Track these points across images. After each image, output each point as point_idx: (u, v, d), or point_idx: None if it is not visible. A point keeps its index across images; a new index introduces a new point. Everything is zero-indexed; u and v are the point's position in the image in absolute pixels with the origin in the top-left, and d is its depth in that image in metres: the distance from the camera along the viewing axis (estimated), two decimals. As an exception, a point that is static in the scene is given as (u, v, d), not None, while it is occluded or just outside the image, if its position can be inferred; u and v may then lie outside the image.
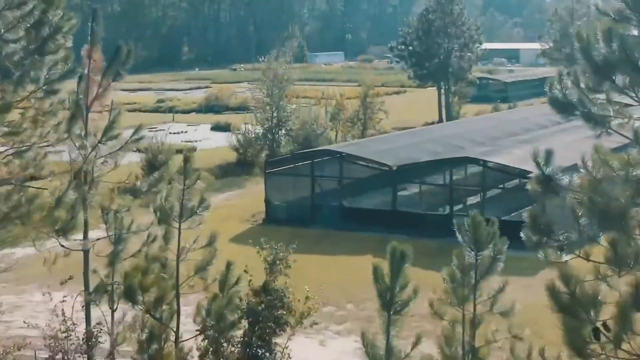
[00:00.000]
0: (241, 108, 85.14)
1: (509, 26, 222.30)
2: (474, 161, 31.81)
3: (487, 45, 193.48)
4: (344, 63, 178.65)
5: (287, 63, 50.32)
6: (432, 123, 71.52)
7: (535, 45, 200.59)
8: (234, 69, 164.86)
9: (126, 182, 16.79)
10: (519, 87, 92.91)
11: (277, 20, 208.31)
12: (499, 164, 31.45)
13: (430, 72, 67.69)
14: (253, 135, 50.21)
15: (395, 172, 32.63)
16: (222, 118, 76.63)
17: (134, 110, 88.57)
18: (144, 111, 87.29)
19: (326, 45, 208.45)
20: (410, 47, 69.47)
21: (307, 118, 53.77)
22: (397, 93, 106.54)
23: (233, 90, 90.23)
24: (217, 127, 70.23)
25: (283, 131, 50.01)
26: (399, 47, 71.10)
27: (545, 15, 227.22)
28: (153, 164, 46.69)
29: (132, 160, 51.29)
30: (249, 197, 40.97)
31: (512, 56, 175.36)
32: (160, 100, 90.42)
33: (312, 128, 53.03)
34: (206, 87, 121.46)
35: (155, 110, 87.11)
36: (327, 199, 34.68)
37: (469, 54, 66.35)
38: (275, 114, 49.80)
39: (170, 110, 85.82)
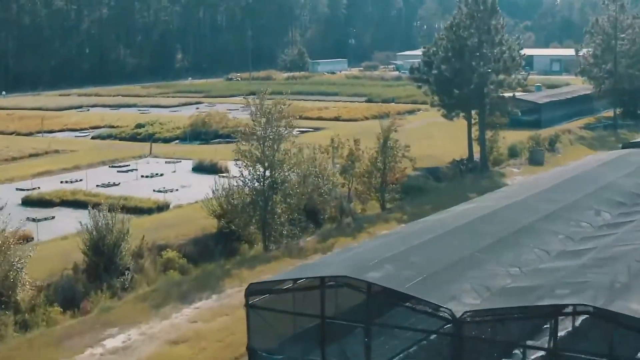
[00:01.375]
0: (232, 136, 71.71)
1: (520, 30, 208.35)
2: (598, 315, 18.40)
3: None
4: (348, 72, 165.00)
5: (283, 105, 36.81)
6: (462, 160, 58.22)
7: (549, 51, 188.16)
8: (230, 79, 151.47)
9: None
10: (553, 109, 79.39)
11: (276, 25, 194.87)
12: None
13: (461, 101, 54.23)
14: (240, 202, 36.74)
15: (461, 322, 19.24)
16: (209, 151, 63.26)
17: (110, 137, 75.34)
18: (121, 139, 73.92)
19: (328, 50, 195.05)
20: (435, 70, 55.99)
21: (309, 169, 40.45)
22: (411, 112, 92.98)
23: (224, 113, 76.59)
24: (200, 168, 56.78)
25: (279, 197, 36.56)
26: (421, 68, 57.57)
27: (556, 18, 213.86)
28: (99, 248, 33.32)
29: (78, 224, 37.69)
30: (227, 317, 27.57)
31: (526, 63, 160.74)
32: (140, 125, 76.96)
33: (318, 186, 39.67)
34: (197, 102, 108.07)
35: (134, 137, 73.72)
36: (347, 354, 21.30)
37: (508, 79, 52.91)
38: (268, 173, 36.43)
39: (150, 137, 72.45)
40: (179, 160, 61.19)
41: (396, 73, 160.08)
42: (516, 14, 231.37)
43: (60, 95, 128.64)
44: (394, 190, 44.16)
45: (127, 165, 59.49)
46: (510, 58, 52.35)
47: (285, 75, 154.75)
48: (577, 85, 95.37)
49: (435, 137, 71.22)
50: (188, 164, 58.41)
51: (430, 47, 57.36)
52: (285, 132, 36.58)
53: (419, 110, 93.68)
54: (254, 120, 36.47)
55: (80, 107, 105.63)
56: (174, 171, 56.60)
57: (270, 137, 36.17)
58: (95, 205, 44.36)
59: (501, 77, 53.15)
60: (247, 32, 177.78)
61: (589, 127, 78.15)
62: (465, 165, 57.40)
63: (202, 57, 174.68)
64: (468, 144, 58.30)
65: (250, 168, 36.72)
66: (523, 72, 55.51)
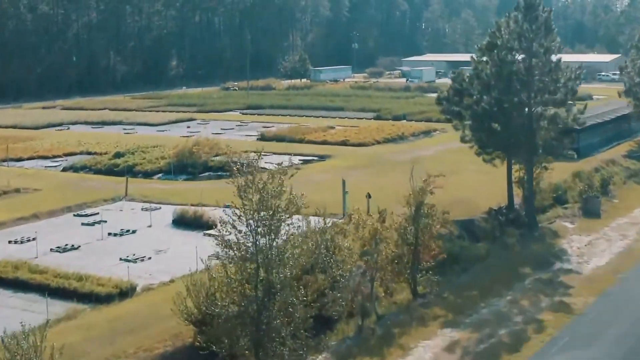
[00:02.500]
0: (223, 170, 60.93)
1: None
2: None
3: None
4: (352, 79, 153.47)
5: (284, 174, 25.83)
6: (500, 209, 47.36)
7: (563, 58, 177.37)
8: (227, 88, 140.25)
9: None
10: (591, 134, 68.31)
11: (276, 29, 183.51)
12: None
13: (504, 141, 43.22)
14: (224, 311, 25.76)
15: None
16: (195, 192, 52.36)
17: (84, 168, 64.11)
18: (96, 171, 62.82)
19: (330, 55, 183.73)
20: (470, 100, 45.16)
21: (319, 249, 29.65)
22: (427, 133, 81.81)
23: (214, 142, 65.33)
24: (181, 221, 45.73)
25: (278, 304, 25.55)
26: (450, 97, 46.55)
27: (568, 21, 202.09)
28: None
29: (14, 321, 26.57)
30: None
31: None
32: (119, 155, 65.90)
33: (332, 276, 28.78)
34: (189, 119, 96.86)
35: (110, 169, 62.73)
36: None
37: (562, 114, 41.83)
38: (262, 273, 25.44)
39: (130, 170, 61.52)
40: (158, 206, 50.22)
41: (403, 81, 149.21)
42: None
43: (43, 107, 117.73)
44: (429, 269, 33.10)
45: (95, 214, 48.51)
46: (569, 89, 41.33)
47: (286, 84, 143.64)
48: (611, 102, 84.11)
49: (460, 170, 60.01)
50: (168, 213, 47.31)
51: (463, 71, 46.45)
52: (287, 214, 25.60)
53: (434, 131, 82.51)
54: (242, 198, 25.42)
55: (60, 124, 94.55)
56: (150, 225, 45.50)
57: (266, 222, 25.19)
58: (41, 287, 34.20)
59: (552, 110, 41.99)
60: (245, 36, 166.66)
61: (634, 156, 67.11)
62: (504, 215, 46.51)
63: (197, 64, 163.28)
64: (508, 188, 47.45)
65: (240, 263, 25.78)
66: (580, 108, 44.23)
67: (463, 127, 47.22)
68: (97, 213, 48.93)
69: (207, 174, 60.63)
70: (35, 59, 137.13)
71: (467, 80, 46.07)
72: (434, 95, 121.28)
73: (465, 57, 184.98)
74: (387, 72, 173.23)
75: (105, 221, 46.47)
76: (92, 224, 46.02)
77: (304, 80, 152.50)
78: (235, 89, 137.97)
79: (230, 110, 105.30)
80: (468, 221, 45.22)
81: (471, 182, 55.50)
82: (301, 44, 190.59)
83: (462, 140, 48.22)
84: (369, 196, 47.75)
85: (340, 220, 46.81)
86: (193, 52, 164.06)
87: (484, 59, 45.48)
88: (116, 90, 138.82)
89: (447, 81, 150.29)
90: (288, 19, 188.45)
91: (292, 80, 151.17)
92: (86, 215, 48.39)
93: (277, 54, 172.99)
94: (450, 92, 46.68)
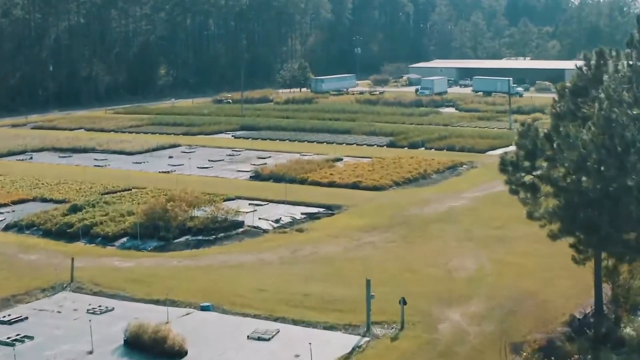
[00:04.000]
0: (205, 232, 46.62)
1: (544, 38, 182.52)
2: None
3: (524, 64, 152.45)
4: (357, 92, 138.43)
5: None
6: (586, 317, 33.34)
7: (580, 64, 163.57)
8: (220, 100, 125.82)
9: None
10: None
11: (275, 33, 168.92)
12: None
13: (609, 239, 28.97)
14: None
15: None
16: (163, 273, 38.15)
17: (32, 227, 49.15)
18: (45, 232, 48.32)
19: (332, 59, 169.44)
20: (542, 163, 31.18)
21: None
22: (452, 169, 67.30)
23: (195, 196, 50.44)
24: (136, 344, 31.12)
25: None
26: (520, 162, 32.22)
27: (583, 24, 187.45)
28: None
29: None
30: None
31: (557, 77, 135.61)
32: (75, 208, 51.62)
33: None
34: (173, 145, 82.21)
35: (62, 231, 48.32)
36: None
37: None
38: None
39: (86, 232, 47.24)
40: (110, 305, 35.85)
41: (411, 90, 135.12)
42: (534, 19, 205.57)
43: (12, 125, 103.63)
44: None
45: (20, 320, 34.24)
46: None
47: (284, 95, 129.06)
48: None
49: (510, 235, 45.87)
50: (121, 323, 32.85)
51: (537, 127, 32.20)
52: None
53: (461, 165, 68.11)
54: None
55: (23, 152, 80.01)
56: (91, 351, 31.01)
57: None
58: None
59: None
60: (241, 41, 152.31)
61: None
62: (593, 327, 32.27)
63: (188, 72, 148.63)
64: (595, 290, 33.23)
65: None
66: None
67: (535, 202, 32.90)
68: (25, 318, 34.65)
69: (184, 238, 46.39)
70: (9, 69, 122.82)
71: (542, 136, 31.81)
72: (450, 110, 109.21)
73: (476, 63, 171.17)
74: (393, 80, 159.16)
75: (32, 337, 32.24)
76: (11, 344, 31.66)
77: (304, 90, 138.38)
78: (229, 102, 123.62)
79: (221, 133, 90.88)
80: (549, 347, 30.96)
81: (530, 260, 41.28)
82: (301, 48, 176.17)
83: (530, 216, 33.77)
84: (403, 302, 33.63)
85: (365, 339, 33.06)
86: (184, 59, 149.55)
87: (569, 105, 31.38)
88: (99, 103, 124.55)
89: (457, 90, 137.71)
90: (287, 22, 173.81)
91: (292, 91, 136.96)
92: (9, 323, 34.06)
93: (275, 60, 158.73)
94: (520, 154, 32.25)
